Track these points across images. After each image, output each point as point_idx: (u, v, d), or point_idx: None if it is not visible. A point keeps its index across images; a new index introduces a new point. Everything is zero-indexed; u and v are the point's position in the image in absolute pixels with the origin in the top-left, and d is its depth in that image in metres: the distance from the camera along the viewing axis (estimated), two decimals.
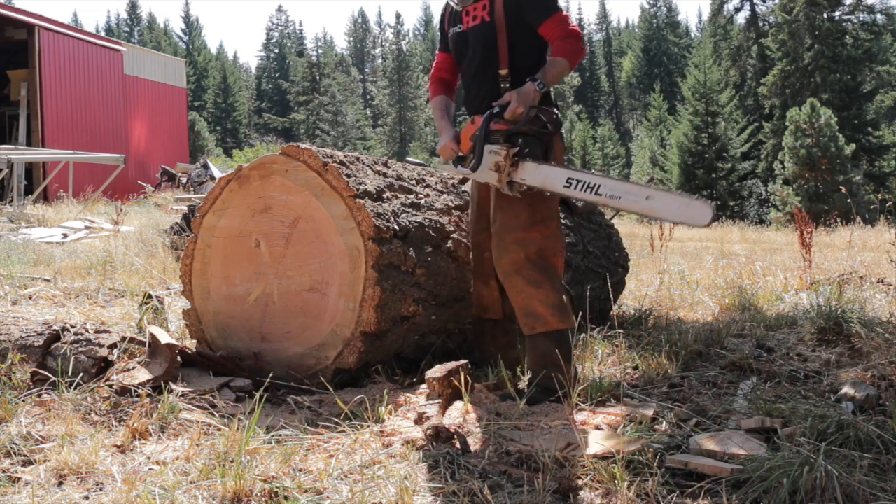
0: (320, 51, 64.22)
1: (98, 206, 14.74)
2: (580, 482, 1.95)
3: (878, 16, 35.41)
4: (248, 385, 2.81)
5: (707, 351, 3.39)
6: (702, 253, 9.31)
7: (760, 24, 39.68)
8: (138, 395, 2.52)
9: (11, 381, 2.62)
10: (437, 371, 2.63)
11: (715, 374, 3.07)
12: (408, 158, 4.72)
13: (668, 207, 2.55)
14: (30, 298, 4.78)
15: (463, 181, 3.61)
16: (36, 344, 2.77)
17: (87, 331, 2.86)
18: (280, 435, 2.28)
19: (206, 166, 21.76)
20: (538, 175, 2.74)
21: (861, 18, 35.10)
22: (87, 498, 1.90)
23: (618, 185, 2.65)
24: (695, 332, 3.51)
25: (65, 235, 9.83)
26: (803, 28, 33.97)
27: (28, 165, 18.41)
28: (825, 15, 34.12)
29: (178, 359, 2.77)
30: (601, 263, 4.24)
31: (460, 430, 2.30)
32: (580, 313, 3.12)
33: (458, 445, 2.20)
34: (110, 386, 2.60)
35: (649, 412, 2.48)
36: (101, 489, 1.95)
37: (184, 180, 21.34)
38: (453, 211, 3.42)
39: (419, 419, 2.38)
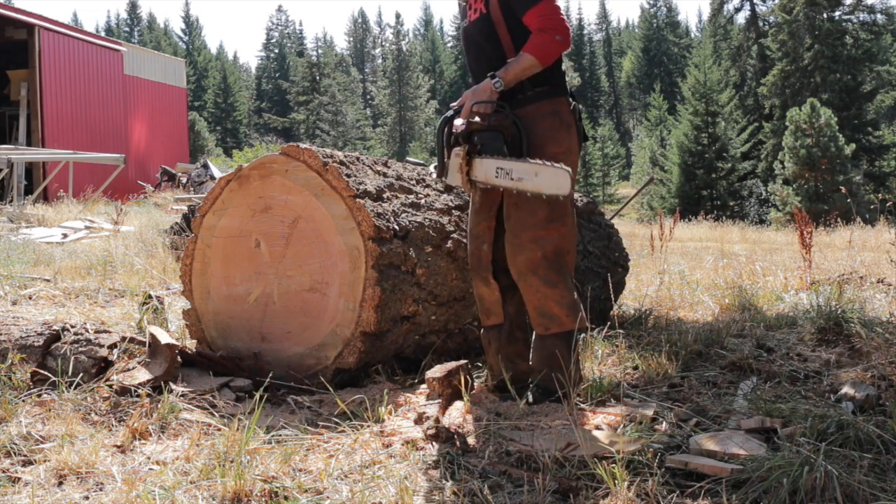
0: (320, 51, 64.20)
1: (98, 206, 14.74)
2: (580, 482, 1.95)
3: (878, 16, 35.45)
4: (248, 385, 2.81)
5: (707, 351, 3.38)
6: (702, 253, 9.31)
7: (760, 24, 39.69)
8: (138, 395, 2.52)
9: (11, 381, 2.62)
10: (437, 371, 2.63)
11: (715, 374, 3.07)
12: (408, 158, 4.71)
13: (549, 180, 2.53)
14: (30, 298, 4.78)
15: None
16: (36, 344, 2.77)
17: (87, 331, 2.86)
18: (280, 435, 2.28)
19: (206, 166, 21.77)
20: (481, 170, 2.67)
21: (861, 18, 35.14)
22: (87, 498, 1.90)
23: (520, 166, 2.58)
24: (695, 332, 3.51)
25: (65, 235, 9.83)
26: (803, 28, 33.99)
27: (28, 165, 18.41)
28: (825, 15, 34.14)
29: (178, 359, 2.77)
30: (601, 263, 4.24)
31: (460, 430, 2.30)
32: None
33: (458, 445, 2.20)
34: (110, 386, 2.60)
35: (649, 412, 2.48)
36: (101, 489, 1.95)
37: (184, 180, 21.35)
38: (453, 211, 3.42)
39: (419, 419, 2.38)
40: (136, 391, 2.56)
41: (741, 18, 42.18)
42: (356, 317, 2.85)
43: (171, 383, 2.65)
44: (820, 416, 2.24)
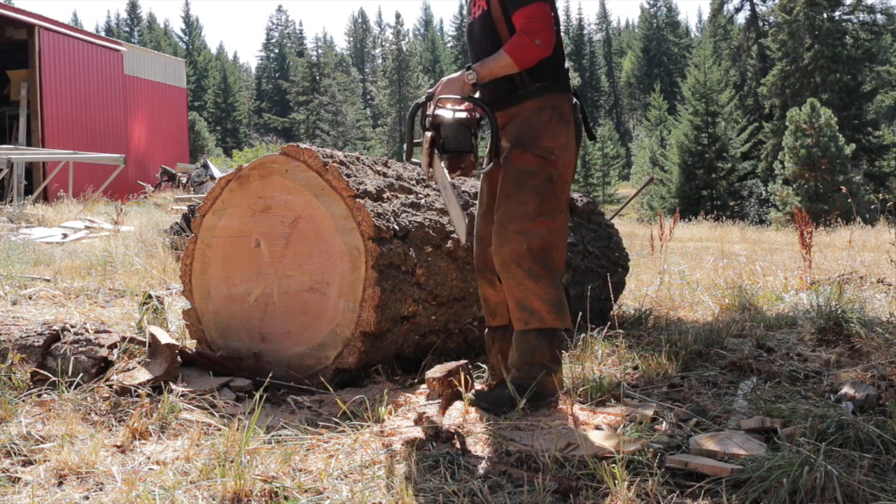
0: (320, 51, 64.22)
1: (98, 206, 14.74)
2: (580, 482, 1.95)
3: (878, 16, 35.47)
4: (248, 385, 2.81)
5: (707, 351, 3.38)
6: (702, 253, 9.31)
7: (760, 24, 39.70)
8: (138, 395, 2.52)
9: (11, 381, 2.62)
10: (437, 371, 2.63)
11: (715, 374, 3.07)
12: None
13: (456, 220, 2.68)
14: (30, 298, 4.78)
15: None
16: (36, 344, 2.77)
17: (87, 331, 2.86)
18: (280, 435, 2.28)
19: (206, 166, 21.77)
20: (438, 169, 2.67)
21: (861, 18, 35.16)
22: (87, 498, 1.90)
23: (447, 194, 2.66)
24: (695, 332, 3.51)
25: (65, 235, 9.83)
26: (803, 28, 34.00)
27: (28, 165, 18.40)
28: (825, 15, 34.15)
29: (178, 359, 2.77)
30: (601, 263, 4.24)
31: (460, 430, 2.30)
32: (580, 313, 3.12)
33: (458, 445, 2.20)
34: (110, 386, 2.60)
35: (649, 412, 2.48)
36: (101, 489, 1.95)
37: (184, 180, 21.34)
38: None
39: (419, 419, 2.37)
40: (136, 391, 2.56)
41: (741, 18, 42.26)
42: (356, 317, 2.85)
43: (171, 383, 2.65)
44: (820, 416, 2.24)
